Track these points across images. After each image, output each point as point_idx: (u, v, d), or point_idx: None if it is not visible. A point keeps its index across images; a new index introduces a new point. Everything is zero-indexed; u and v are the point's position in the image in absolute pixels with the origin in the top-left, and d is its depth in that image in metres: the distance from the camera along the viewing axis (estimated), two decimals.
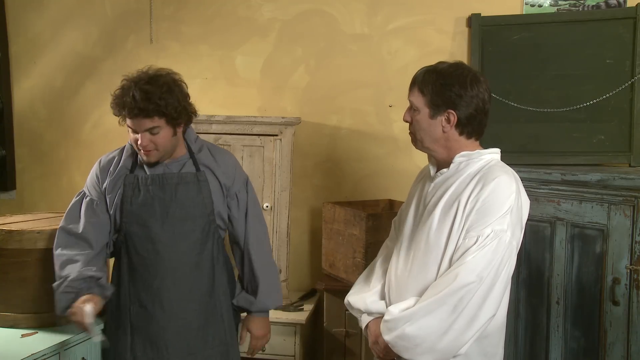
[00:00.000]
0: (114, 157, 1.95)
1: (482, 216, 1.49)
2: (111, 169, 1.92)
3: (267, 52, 3.00)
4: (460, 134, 1.59)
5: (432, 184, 1.64)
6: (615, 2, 2.59)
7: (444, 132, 1.58)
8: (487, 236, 1.47)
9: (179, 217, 1.88)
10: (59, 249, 1.87)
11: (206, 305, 1.93)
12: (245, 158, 2.66)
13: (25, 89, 3.26)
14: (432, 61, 2.75)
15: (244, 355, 2.09)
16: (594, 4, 2.62)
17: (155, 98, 1.76)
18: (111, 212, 1.90)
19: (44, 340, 1.86)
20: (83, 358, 1.95)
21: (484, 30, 2.67)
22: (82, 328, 1.73)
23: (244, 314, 2.07)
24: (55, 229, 1.93)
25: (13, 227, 2.05)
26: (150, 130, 1.79)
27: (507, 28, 2.64)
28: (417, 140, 1.64)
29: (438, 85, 1.56)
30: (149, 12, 3.07)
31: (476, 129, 1.60)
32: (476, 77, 1.58)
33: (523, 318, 2.18)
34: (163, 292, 1.87)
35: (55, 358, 1.84)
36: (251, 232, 2.02)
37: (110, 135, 3.04)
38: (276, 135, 2.64)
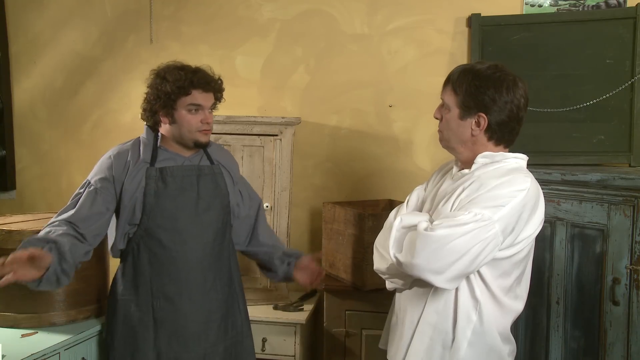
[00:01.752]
0: (128, 149, 1.91)
1: (476, 200, 1.42)
2: (129, 159, 1.88)
3: (267, 52, 2.99)
4: (489, 139, 1.54)
5: (451, 182, 1.59)
6: (615, 2, 2.59)
7: (472, 135, 1.54)
8: (473, 214, 1.38)
9: (203, 208, 1.91)
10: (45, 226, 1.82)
11: (227, 295, 1.97)
12: (245, 158, 2.66)
13: (25, 89, 3.26)
14: (432, 61, 2.82)
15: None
16: (594, 4, 2.62)
17: (214, 77, 1.93)
18: (126, 204, 1.85)
19: (44, 340, 1.86)
20: (83, 358, 1.95)
21: (484, 30, 2.67)
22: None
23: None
24: None
25: (13, 227, 2.05)
26: (211, 107, 1.91)
27: (507, 28, 2.64)
28: (443, 139, 1.60)
29: (472, 87, 1.50)
30: (149, 12, 3.06)
31: (506, 136, 1.55)
32: (514, 81, 1.52)
33: (523, 318, 2.17)
34: (191, 284, 1.88)
35: (55, 358, 1.84)
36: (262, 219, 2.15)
37: (110, 135, 3.04)
38: (276, 135, 2.64)
